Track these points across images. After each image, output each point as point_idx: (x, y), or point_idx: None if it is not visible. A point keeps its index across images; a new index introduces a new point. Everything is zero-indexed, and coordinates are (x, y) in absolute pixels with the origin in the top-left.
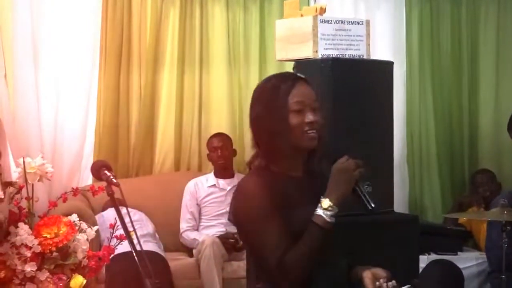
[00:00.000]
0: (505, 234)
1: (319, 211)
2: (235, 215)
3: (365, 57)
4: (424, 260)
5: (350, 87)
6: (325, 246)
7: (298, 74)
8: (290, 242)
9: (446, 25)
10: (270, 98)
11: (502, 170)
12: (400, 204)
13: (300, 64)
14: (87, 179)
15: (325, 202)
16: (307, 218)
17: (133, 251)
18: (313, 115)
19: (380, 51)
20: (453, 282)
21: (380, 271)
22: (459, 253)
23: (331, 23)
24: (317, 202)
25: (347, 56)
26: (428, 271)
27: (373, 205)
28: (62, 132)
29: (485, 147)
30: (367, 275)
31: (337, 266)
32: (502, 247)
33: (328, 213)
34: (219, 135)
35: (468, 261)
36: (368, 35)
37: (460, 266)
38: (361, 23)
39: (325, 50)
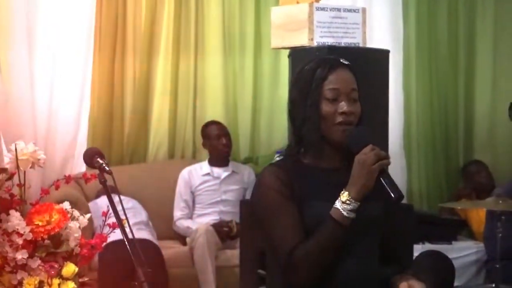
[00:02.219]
0: (500, 223)
1: (337, 204)
2: (251, 204)
3: (361, 45)
4: (418, 249)
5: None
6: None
7: (342, 60)
8: (303, 236)
9: (443, 13)
10: (305, 83)
11: (497, 160)
12: None
13: (295, 52)
14: (81, 166)
15: (344, 195)
16: (328, 212)
17: (125, 240)
18: (348, 105)
19: (378, 40)
20: (444, 273)
21: (416, 284)
22: (453, 242)
23: (327, 10)
24: None
25: (343, 44)
26: (419, 262)
27: (395, 195)
28: (56, 119)
29: (481, 137)
30: (403, 287)
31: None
32: (496, 236)
33: (346, 207)
34: (216, 123)
35: (463, 251)
36: (364, 23)
37: (454, 255)
38: (357, 10)
39: (320, 38)
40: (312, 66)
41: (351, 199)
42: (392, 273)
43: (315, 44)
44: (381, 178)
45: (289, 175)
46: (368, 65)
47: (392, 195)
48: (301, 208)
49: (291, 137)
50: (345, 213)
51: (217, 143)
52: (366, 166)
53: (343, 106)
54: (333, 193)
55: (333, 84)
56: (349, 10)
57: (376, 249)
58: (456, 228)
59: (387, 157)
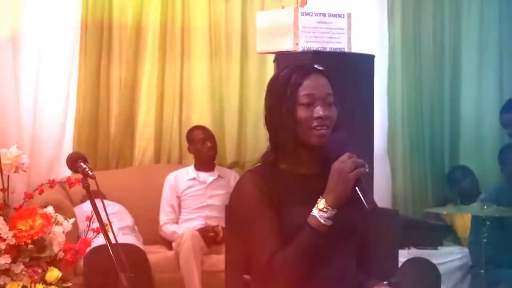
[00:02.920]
0: (484, 229)
1: (314, 212)
2: (231, 210)
3: (346, 50)
4: (404, 255)
5: (330, 81)
6: (329, 251)
7: (316, 66)
8: (282, 243)
9: (428, 18)
10: (280, 89)
11: (483, 165)
12: (383, 198)
13: (280, 56)
14: (67, 170)
15: (321, 203)
16: (305, 219)
17: (108, 245)
18: (323, 110)
19: (363, 45)
20: (430, 281)
21: None
22: (439, 247)
23: (312, 15)
24: None
25: (328, 49)
26: (405, 270)
27: (370, 205)
28: (41, 123)
29: (467, 142)
30: None
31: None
32: (482, 242)
33: (323, 214)
34: (201, 127)
35: (448, 256)
36: (349, 28)
37: (440, 260)
38: (342, 16)
39: (306, 43)
40: (286, 73)
41: (328, 207)
42: (367, 279)
43: (300, 49)
44: (356, 188)
45: (267, 182)
46: (353, 70)
47: (366, 206)
48: (279, 214)
49: (268, 143)
50: (322, 221)
51: (202, 147)
52: (343, 174)
53: (319, 110)
54: (311, 199)
55: (308, 89)
56: (334, 15)
57: (353, 255)
58: (442, 233)
59: (364, 165)
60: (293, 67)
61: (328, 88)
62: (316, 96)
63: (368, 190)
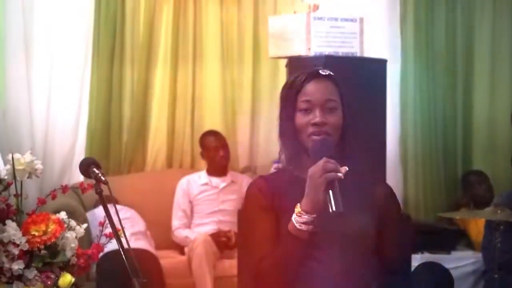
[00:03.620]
0: (498, 233)
1: (292, 217)
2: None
3: (358, 54)
4: (417, 259)
5: (339, 85)
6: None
7: (320, 71)
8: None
9: (441, 22)
10: (284, 95)
11: (495, 169)
12: None
13: (293, 61)
14: (80, 176)
15: (297, 208)
16: None
17: (120, 250)
18: (321, 116)
19: (375, 49)
20: (442, 286)
21: None
22: (452, 252)
23: (324, 20)
24: None
25: (340, 54)
26: (418, 274)
27: (332, 209)
28: (54, 128)
29: (479, 146)
30: None
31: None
32: (495, 246)
33: (299, 219)
34: (214, 133)
35: (461, 261)
36: (361, 32)
37: (453, 265)
38: (354, 20)
39: (318, 48)
40: (291, 79)
41: (302, 212)
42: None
43: (312, 53)
44: (330, 191)
45: (272, 187)
46: (366, 74)
47: (334, 209)
48: (280, 220)
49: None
50: (297, 226)
51: (215, 155)
52: (313, 179)
53: (315, 116)
54: None
55: (307, 95)
56: (347, 20)
57: (359, 263)
58: (455, 237)
59: (335, 170)
60: (299, 73)
61: (330, 93)
62: (314, 102)
63: (339, 196)
